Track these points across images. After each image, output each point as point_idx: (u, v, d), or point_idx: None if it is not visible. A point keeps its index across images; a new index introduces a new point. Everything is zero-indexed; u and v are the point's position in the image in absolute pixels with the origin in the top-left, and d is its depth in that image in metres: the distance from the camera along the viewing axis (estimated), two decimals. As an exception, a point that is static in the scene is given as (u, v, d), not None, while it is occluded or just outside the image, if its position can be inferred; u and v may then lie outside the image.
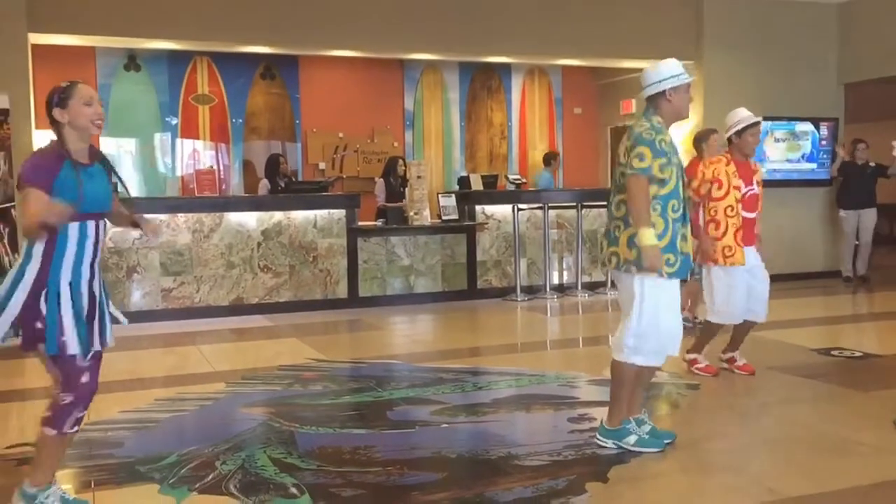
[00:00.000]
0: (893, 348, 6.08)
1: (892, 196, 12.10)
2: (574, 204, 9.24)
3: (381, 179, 9.65)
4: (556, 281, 9.34)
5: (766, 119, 7.36)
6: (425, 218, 8.82)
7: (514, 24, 9.29)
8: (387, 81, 11.17)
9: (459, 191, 9.57)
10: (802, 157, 10.11)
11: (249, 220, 8.22)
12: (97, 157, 3.16)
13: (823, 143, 10.32)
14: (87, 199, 3.00)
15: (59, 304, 2.99)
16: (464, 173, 10.66)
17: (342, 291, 8.54)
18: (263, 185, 9.38)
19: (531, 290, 9.13)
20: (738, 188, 5.08)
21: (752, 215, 5.17)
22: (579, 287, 9.21)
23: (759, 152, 9.06)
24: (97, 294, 3.12)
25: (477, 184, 9.67)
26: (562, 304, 8.83)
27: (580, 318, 8.26)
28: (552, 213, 9.19)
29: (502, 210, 9.18)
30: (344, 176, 10.91)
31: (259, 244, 8.25)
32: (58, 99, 3.04)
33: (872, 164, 9.86)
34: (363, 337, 7.44)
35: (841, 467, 3.62)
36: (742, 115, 5.13)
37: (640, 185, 3.66)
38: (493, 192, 9.69)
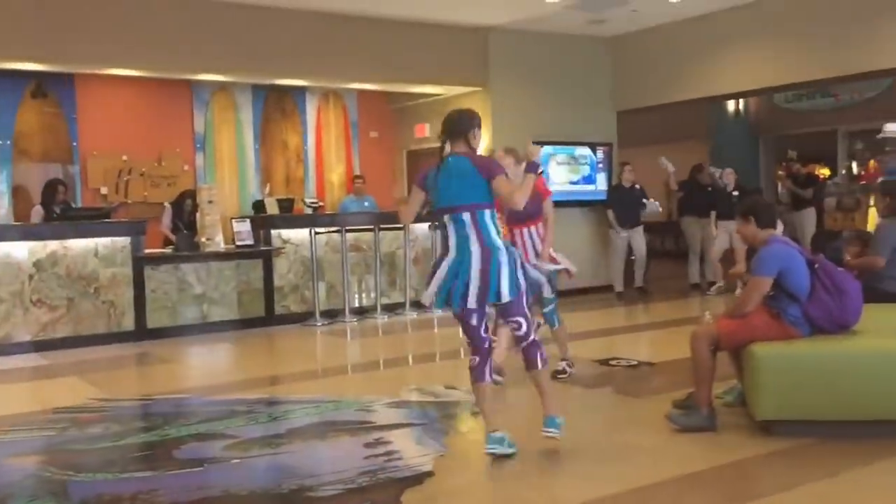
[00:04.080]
0: (663, 356, 6.56)
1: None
2: (371, 227, 9.27)
3: (170, 207, 9.22)
4: (356, 304, 9.30)
5: (548, 144, 7.81)
6: (218, 244, 8.51)
7: (305, 48, 9.22)
8: (174, 102, 10.68)
9: (255, 215, 9.33)
10: (582, 178, 10.79)
11: (19, 250, 7.54)
12: None
13: (600, 165, 11.07)
14: None
15: None
16: (259, 197, 10.41)
17: (128, 324, 8.03)
18: (36, 212, 8.65)
19: (331, 314, 9.04)
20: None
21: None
22: (378, 309, 9.23)
23: (545, 174, 9.53)
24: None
25: (273, 208, 9.46)
26: (362, 327, 8.82)
27: (380, 341, 8.28)
28: (350, 236, 9.16)
29: (299, 234, 9.04)
30: (129, 201, 10.29)
31: (31, 276, 7.58)
32: (479, 122, 4.05)
33: (638, 186, 10.56)
34: (152, 371, 7.03)
35: (621, 471, 3.85)
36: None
37: None
38: (289, 216, 9.52)
